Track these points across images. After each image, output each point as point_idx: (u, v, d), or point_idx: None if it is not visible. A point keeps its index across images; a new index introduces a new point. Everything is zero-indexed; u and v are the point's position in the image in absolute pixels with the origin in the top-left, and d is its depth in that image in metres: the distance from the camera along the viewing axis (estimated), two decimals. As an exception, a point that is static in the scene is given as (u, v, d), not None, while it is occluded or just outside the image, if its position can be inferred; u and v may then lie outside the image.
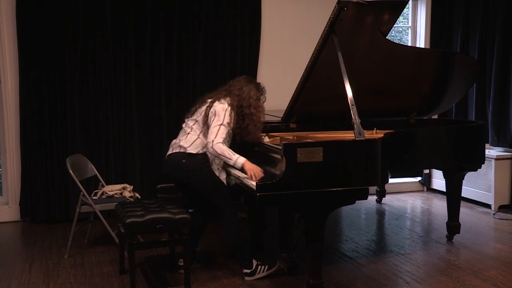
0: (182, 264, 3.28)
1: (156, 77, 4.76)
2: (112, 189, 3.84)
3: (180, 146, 3.19)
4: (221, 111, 3.12)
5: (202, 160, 3.16)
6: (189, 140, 3.18)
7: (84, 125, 4.60)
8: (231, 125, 3.17)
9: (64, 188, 4.57)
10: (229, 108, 3.16)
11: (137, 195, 3.88)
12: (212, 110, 3.15)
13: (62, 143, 4.55)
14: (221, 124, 3.08)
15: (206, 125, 3.15)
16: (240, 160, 3.03)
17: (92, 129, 4.62)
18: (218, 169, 3.25)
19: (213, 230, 4.22)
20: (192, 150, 3.16)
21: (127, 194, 3.82)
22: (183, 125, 3.30)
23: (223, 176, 3.26)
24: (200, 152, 3.17)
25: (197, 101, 3.36)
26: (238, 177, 3.16)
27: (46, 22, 4.43)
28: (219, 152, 3.05)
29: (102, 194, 3.82)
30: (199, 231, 3.46)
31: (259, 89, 3.30)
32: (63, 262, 3.59)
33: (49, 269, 3.47)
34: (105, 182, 4.05)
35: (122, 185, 3.92)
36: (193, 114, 3.27)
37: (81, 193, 3.63)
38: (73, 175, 3.61)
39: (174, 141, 3.28)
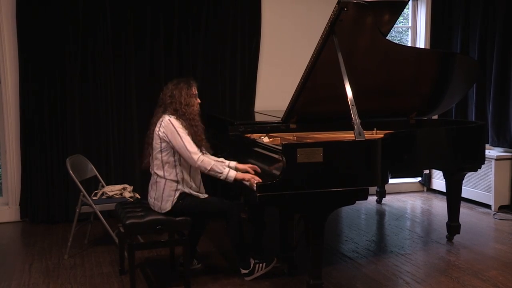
0: (182, 261, 3.26)
1: (156, 77, 4.76)
2: (112, 190, 3.84)
3: (155, 204, 3.07)
4: (169, 128, 2.99)
5: (180, 200, 3.04)
6: (159, 193, 3.04)
7: (84, 125, 4.59)
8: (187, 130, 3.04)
9: (64, 189, 4.57)
10: (172, 117, 3.04)
11: (137, 195, 3.88)
12: (160, 133, 3.00)
13: (62, 143, 4.55)
14: (181, 138, 2.96)
15: (159, 155, 3.02)
16: (231, 173, 2.96)
17: (92, 129, 4.62)
18: (200, 192, 3.15)
19: (213, 230, 4.22)
20: (165, 205, 3.04)
21: (127, 194, 3.82)
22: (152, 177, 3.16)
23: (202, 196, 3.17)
24: (173, 202, 3.03)
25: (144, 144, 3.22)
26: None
27: (46, 22, 4.43)
28: (208, 168, 2.96)
29: (102, 194, 3.82)
30: (199, 231, 3.46)
31: (190, 85, 3.13)
32: (63, 263, 3.59)
33: (49, 269, 3.47)
34: (105, 183, 4.05)
35: (122, 186, 3.92)
36: (146, 151, 3.15)
37: (81, 193, 3.63)
38: (73, 175, 3.61)
39: (149, 198, 3.15)
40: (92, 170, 3.99)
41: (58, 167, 4.52)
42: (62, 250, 3.81)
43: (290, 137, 3.61)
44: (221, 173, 2.99)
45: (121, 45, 4.64)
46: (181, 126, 3.04)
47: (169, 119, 3.04)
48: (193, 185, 3.14)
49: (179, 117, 3.07)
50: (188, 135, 3.04)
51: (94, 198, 3.76)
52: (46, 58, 4.46)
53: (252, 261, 3.21)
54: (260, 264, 3.22)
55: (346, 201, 2.85)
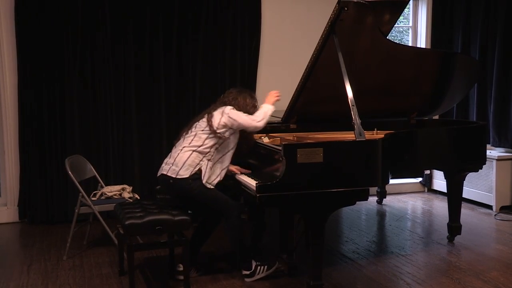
0: (181, 269, 3.22)
1: (156, 77, 4.76)
2: (111, 190, 3.85)
3: (168, 167, 3.13)
4: (231, 110, 3.12)
5: (191, 179, 3.08)
6: (179, 161, 3.10)
7: (83, 125, 4.60)
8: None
9: (63, 189, 4.57)
10: (232, 107, 3.16)
11: (136, 196, 3.88)
12: (219, 114, 3.12)
13: (61, 143, 4.55)
14: (243, 115, 3.11)
15: (205, 136, 3.10)
16: (268, 106, 3.20)
17: (91, 129, 4.62)
18: (210, 184, 3.17)
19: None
20: (183, 172, 3.08)
21: (126, 195, 3.82)
22: (176, 143, 3.23)
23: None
24: (192, 172, 3.08)
25: (190, 122, 3.30)
26: (238, 178, 3.16)
27: (45, 22, 4.43)
28: (265, 117, 3.12)
29: (101, 195, 3.82)
30: (204, 236, 3.40)
31: (253, 97, 3.32)
32: (62, 264, 3.59)
33: (48, 270, 3.47)
34: (104, 183, 4.05)
35: (121, 186, 3.92)
36: (188, 130, 3.21)
37: (80, 194, 3.64)
38: (72, 176, 3.61)
39: (165, 159, 3.22)
40: (91, 170, 3.99)
41: (57, 168, 4.52)
42: (61, 251, 3.81)
43: (290, 137, 3.61)
44: (268, 110, 3.18)
45: (120, 46, 4.64)
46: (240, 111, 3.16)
47: (231, 108, 3.15)
48: (211, 175, 3.16)
49: None
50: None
51: (93, 198, 3.76)
52: (45, 59, 4.46)
53: (254, 263, 3.21)
54: (262, 267, 3.22)
55: (347, 202, 2.86)
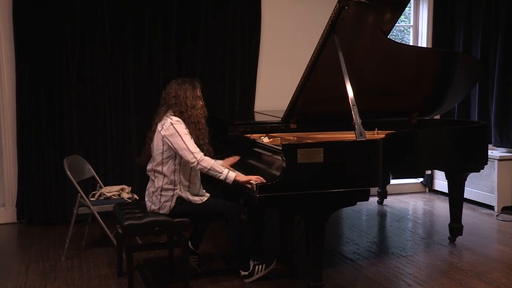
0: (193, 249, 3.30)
1: (155, 77, 4.76)
2: (110, 190, 3.85)
3: (151, 205, 3.08)
4: (170, 130, 2.96)
5: (178, 205, 3.03)
6: (157, 200, 3.03)
7: (82, 125, 4.59)
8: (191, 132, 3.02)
9: (61, 190, 4.57)
10: (174, 119, 3.01)
11: (135, 196, 3.88)
12: (160, 136, 2.99)
13: (59, 143, 4.55)
14: (183, 140, 2.93)
15: (160, 159, 3.01)
16: (231, 174, 2.94)
17: (89, 129, 4.62)
18: (198, 196, 3.13)
19: (212, 232, 4.22)
20: (163, 211, 3.03)
21: (125, 195, 3.82)
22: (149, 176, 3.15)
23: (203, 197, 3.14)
24: (171, 207, 3.02)
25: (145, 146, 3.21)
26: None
27: (43, 22, 4.43)
28: (207, 167, 2.92)
29: (100, 195, 3.82)
30: (200, 233, 3.46)
31: (195, 86, 3.10)
32: (60, 265, 3.59)
33: (46, 271, 3.47)
34: (103, 183, 4.05)
35: (120, 186, 3.92)
36: (149, 158, 3.13)
37: (79, 194, 3.64)
38: (70, 176, 3.61)
39: (146, 195, 3.15)
40: (89, 170, 3.99)
41: (55, 168, 4.52)
42: (59, 252, 3.81)
43: (290, 137, 3.61)
44: (221, 172, 2.95)
45: (119, 45, 4.64)
46: (183, 128, 2.99)
47: (171, 122, 2.99)
48: (193, 189, 3.12)
49: (184, 120, 3.03)
50: (192, 138, 3.01)
51: (92, 199, 3.76)
52: (43, 59, 4.45)
53: (252, 263, 3.21)
54: (260, 266, 3.22)
55: (347, 202, 2.86)
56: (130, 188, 3.94)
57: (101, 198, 3.80)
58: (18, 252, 3.92)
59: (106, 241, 3.85)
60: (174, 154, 3.02)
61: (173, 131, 2.97)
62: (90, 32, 4.54)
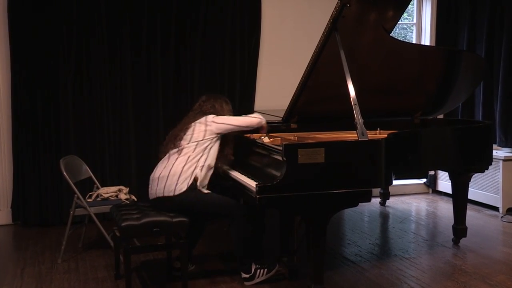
0: (178, 266, 3.29)
1: (153, 76, 4.77)
2: (107, 191, 3.85)
3: (165, 188, 3.12)
4: (217, 118, 3.27)
5: (189, 191, 3.11)
6: (175, 174, 3.12)
7: (78, 125, 4.60)
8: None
9: (58, 190, 4.57)
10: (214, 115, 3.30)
11: (133, 197, 3.89)
12: (204, 127, 3.22)
13: (56, 143, 4.56)
14: (232, 119, 3.30)
15: (193, 146, 3.19)
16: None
17: (86, 129, 4.63)
18: (205, 188, 3.26)
19: (211, 233, 4.22)
20: (180, 186, 3.09)
21: (122, 196, 3.83)
22: (164, 157, 3.27)
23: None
24: (189, 184, 3.12)
25: (167, 137, 3.37)
26: (237, 179, 3.16)
27: (39, 21, 4.43)
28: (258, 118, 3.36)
29: (97, 196, 3.83)
30: (198, 233, 3.47)
31: (228, 103, 3.47)
32: (57, 267, 3.59)
33: (42, 274, 3.47)
34: (100, 184, 4.06)
35: (117, 187, 3.93)
36: (173, 145, 3.25)
37: (75, 195, 3.64)
38: (66, 176, 3.61)
39: (154, 180, 3.19)
40: (86, 171, 3.99)
41: (52, 168, 4.52)
42: (55, 254, 3.82)
43: (291, 137, 3.62)
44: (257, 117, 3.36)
45: (117, 44, 4.64)
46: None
47: (213, 116, 3.29)
48: (204, 182, 3.25)
49: None
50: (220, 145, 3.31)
51: (88, 200, 3.76)
52: (39, 58, 4.46)
53: (254, 266, 3.22)
54: (262, 270, 3.22)
55: (349, 203, 2.86)
56: (127, 189, 3.95)
57: (98, 199, 3.81)
58: (13, 254, 3.93)
59: (103, 243, 3.85)
60: (204, 148, 3.21)
61: (223, 118, 3.30)
62: (87, 31, 4.54)
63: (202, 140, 3.21)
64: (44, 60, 4.48)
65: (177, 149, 3.23)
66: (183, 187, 3.11)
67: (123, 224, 2.97)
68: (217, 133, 3.26)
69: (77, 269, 3.55)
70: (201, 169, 3.20)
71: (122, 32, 4.64)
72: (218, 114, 3.33)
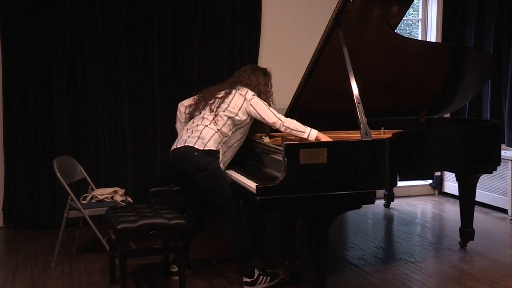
0: (174, 270, 3.31)
1: (150, 74, 4.77)
2: (102, 193, 3.86)
3: (194, 140, 3.17)
4: (255, 98, 3.23)
5: (214, 157, 3.17)
6: (205, 134, 3.18)
7: (73, 124, 4.60)
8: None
9: (51, 192, 4.58)
10: (254, 93, 3.27)
11: (129, 199, 3.89)
12: (241, 101, 3.22)
13: (49, 144, 4.56)
14: (267, 107, 3.23)
15: (226, 118, 3.22)
16: (313, 132, 3.12)
17: (81, 129, 4.63)
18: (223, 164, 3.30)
19: (209, 236, 4.23)
20: (210, 145, 3.16)
21: (118, 198, 3.83)
22: (193, 120, 3.32)
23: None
24: (216, 149, 3.19)
25: (199, 93, 3.45)
26: (236, 180, 3.17)
27: (31, 16, 4.43)
28: (291, 127, 3.16)
29: (92, 198, 3.83)
30: (191, 236, 3.47)
31: (267, 74, 3.43)
32: (50, 271, 3.60)
33: (34, 278, 3.48)
34: (95, 186, 4.06)
35: (113, 189, 3.93)
36: (204, 108, 3.31)
37: (69, 197, 3.65)
38: (60, 178, 3.62)
39: (184, 134, 3.26)
40: (81, 172, 4.00)
41: (45, 169, 4.53)
42: (48, 258, 3.82)
43: (292, 137, 3.62)
44: (303, 131, 3.13)
45: (112, 41, 4.64)
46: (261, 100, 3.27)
47: (252, 94, 3.25)
48: (224, 159, 3.28)
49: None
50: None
51: (83, 202, 3.77)
52: (31, 55, 4.45)
53: (257, 272, 3.22)
54: (265, 277, 3.23)
55: (352, 205, 2.87)
56: (123, 191, 3.95)
57: (93, 201, 3.81)
58: (4, 258, 3.93)
59: (98, 246, 3.85)
60: (240, 122, 3.24)
61: (258, 101, 3.24)
62: (80, 26, 4.54)
63: (236, 115, 3.22)
64: (37, 57, 4.48)
65: (210, 114, 3.25)
66: (213, 147, 3.16)
67: (118, 227, 2.97)
68: (249, 115, 3.26)
69: (71, 274, 3.55)
70: (222, 147, 3.23)
71: (117, 29, 4.64)
72: (252, 86, 3.32)
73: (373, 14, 3.29)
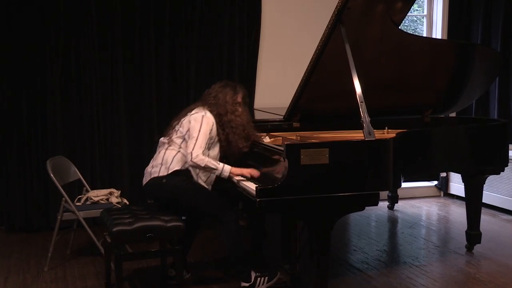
0: (172, 274, 3.31)
1: (146, 73, 4.76)
2: (97, 195, 3.86)
3: (158, 168, 3.22)
4: (198, 118, 3.19)
5: (184, 176, 3.21)
6: (168, 157, 3.23)
7: (67, 124, 4.60)
8: (213, 134, 3.25)
9: (44, 194, 4.58)
10: (208, 114, 3.24)
11: (125, 201, 3.90)
12: (188, 119, 3.23)
13: (42, 143, 4.56)
14: (199, 134, 3.15)
15: (185, 139, 3.23)
16: (226, 167, 3.12)
17: (75, 128, 4.63)
18: (204, 183, 3.32)
19: (207, 239, 4.23)
20: (174, 166, 3.20)
21: (114, 199, 3.83)
22: (158, 147, 3.36)
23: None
24: (182, 168, 3.22)
25: (171, 121, 3.42)
26: (235, 181, 3.17)
27: (25, 15, 4.41)
28: (201, 164, 3.12)
29: (87, 200, 3.84)
30: (190, 238, 3.48)
31: (236, 92, 3.37)
32: (43, 275, 3.60)
33: (27, 283, 3.48)
34: (89, 187, 4.07)
35: (108, 190, 3.93)
36: (168, 132, 3.34)
37: (63, 198, 3.65)
38: (54, 179, 3.62)
39: (148, 167, 3.33)
40: (75, 173, 4.00)
41: (38, 170, 4.53)
42: (41, 262, 3.82)
43: (293, 136, 3.63)
44: (215, 168, 3.13)
45: (108, 39, 4.62)
46: (209, 126, 3.20)
47: (203, 115, 3.21)
48: (201, 176, 3.29)
49: (223, 123, 3.27)
50: (218, 141, 3.27)
51: (77, 203, 3.77)
52: (24, 53, 4.44)
53: (254, 274, 3.22)
54: (262, 278, 3.23)
55: (355, 207, 2.87)
56: (119, 192, 3.96)
57: (88, 202, 3.82)
58: (-3, 262, 3.94)
59: (93, 249, 3.86)
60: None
61: (199, 123, 3.18)
62: (75, 25, 4.53)
63: (183, 138, 3.24)
64: (30, 55, 4.47)
65: (169, 137, 3.29)
66: (177, 166, 3.19)
67: (114, 229, 2.98)
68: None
69: (65, 278, 3.55)
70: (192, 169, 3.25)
71: (113, 28, 4.63)
72: (218, 106, 3.29)
73: (377, 10, 3.29)
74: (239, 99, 3.37)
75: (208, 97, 3.36)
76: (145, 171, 3.34)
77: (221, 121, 3.28)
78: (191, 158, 3.11)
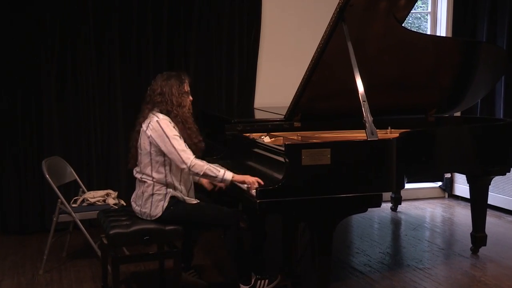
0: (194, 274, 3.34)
1: (144, 71, 4.76)
2: (94, 196, 3.86)
3: (141, 212, 3.08)
4: (155, 127, 3.00)
5: (170, 204, 3.05)
6: (147, 200, 3.05)
7: (63, 124, 4.60)
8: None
9: (40, 195, 4.58)
10: (161, 116, 3.05)
11: (122, 202, 3.90)
12: (145, 136, 3.03)
13: (38, 144, 4.56)
14: (170, 140, 2.96)
15: (152, 154, 3.03)
16: (227, 175, 2.97)
17: (72, 129, 4.63)
18: (188, 195, 3.18)
19: (207, 241, 4.23)
20: (155, 212, 3.03)
21: (111, 201, 3.84)
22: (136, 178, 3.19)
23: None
24: (164, 207, 3.04)
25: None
26: (245, 188, 3.16)
27: (20, 14, 4.41)
28: (199, 172, 2.96)
29: (83, 201, 3.84)
30: (192, 242, 3.48)
31: (182, 81, 3.14)
32: (38, 279, 3.60)
33: (22, 286, 3.48)
34: (86, 188, 4.07)
35: (105, 191, 3.94)
36: (137, 160, 3.16)
37: (59, 200, 3.65)
38: (49, 180, 3.62)
39: (136, 207, 3.15)
40: (71, 174, 4.00)
41: (33, 171, 4.53)
42: (37, 264, 3.82)
43: (294, 136, 3.63)
44: (215, 176, 2.98)
45: (105, 38, 4.62)
46: (171, 128, 3.03)
47: (157, 120, 3.03)
48: (183, 189, 3.14)
49: (172, 119, 3.08)
50: (181, 138, 3.05)
51: (73, 205, 3.77)
52: (19, 51, 4.44)
53: (254, 277, 3.22)
54: (262, 281, 3.23)
55: (357, 208, 2.88)
56: (116, 193, 3.96)
57: (84, 204, 3.82)
58: (-9, 265, 3.94)
59: (90, 252, 3.86)
60: (164, 155, 3.04)
61: (161, 132, 2.99)
62: (72, 23, 4.53)
63: (152, 152, 3.04)
64: (25, 54, 4.47)
65: (139, 169, 3.12)
66: (157, 213, 3.05)
67: (111, 232, 2.98)
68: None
69: (61, 281, 3.55)
70: (175, 186, 3.08)
71: (110, 26, 4.63)
72: (167, 103, 3.06)
73: (380, 7, 3.29)
74: (186, 88, 3.15)
75: (153, 94, 3.11)
76: (132, 206, 3.18)
77: (171, 117, 3.08)
78: (189, 167, 2.95)
